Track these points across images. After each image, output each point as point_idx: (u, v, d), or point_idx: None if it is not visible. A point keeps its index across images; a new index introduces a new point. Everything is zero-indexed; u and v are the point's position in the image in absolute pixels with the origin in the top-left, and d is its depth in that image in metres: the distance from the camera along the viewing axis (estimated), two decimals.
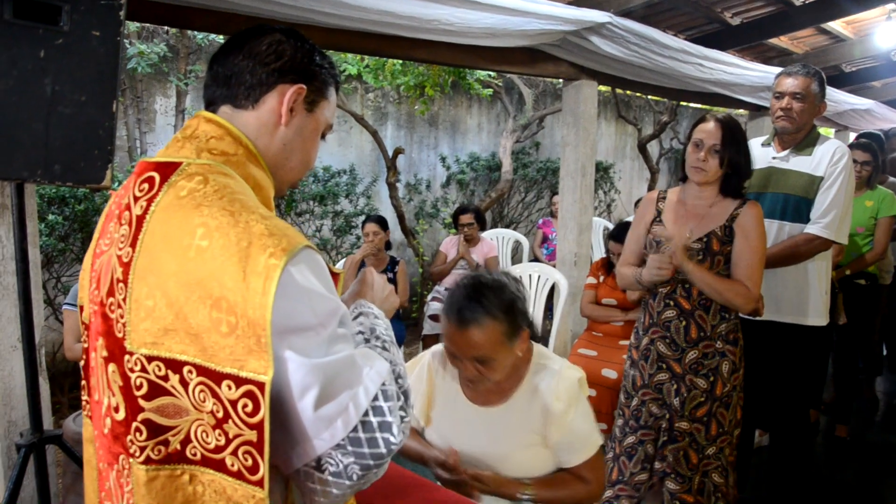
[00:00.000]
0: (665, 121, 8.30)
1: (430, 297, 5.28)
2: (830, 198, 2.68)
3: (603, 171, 8.48)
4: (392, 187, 5.82)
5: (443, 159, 7.13)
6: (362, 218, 5.74)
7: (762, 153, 2.91)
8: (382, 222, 4.61)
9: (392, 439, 0.96)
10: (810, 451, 2.99)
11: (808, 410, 2.96)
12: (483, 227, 5.38)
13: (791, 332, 2.80)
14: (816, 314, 2.80)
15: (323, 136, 1.25)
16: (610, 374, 3.55)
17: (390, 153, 5.78)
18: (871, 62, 6.81)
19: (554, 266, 4.70)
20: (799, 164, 2.77)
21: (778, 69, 5.46)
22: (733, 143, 2.39)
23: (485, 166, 7.39)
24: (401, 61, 5.51)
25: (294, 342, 0.92)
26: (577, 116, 4.52)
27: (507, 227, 7.49)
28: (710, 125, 2.41)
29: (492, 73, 6.54)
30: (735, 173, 2.42)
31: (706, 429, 2.42)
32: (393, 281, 4.57)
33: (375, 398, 0.96)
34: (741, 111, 9.20)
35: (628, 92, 8.12)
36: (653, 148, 8.98)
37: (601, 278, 4.03)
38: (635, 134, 8.72)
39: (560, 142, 4.85)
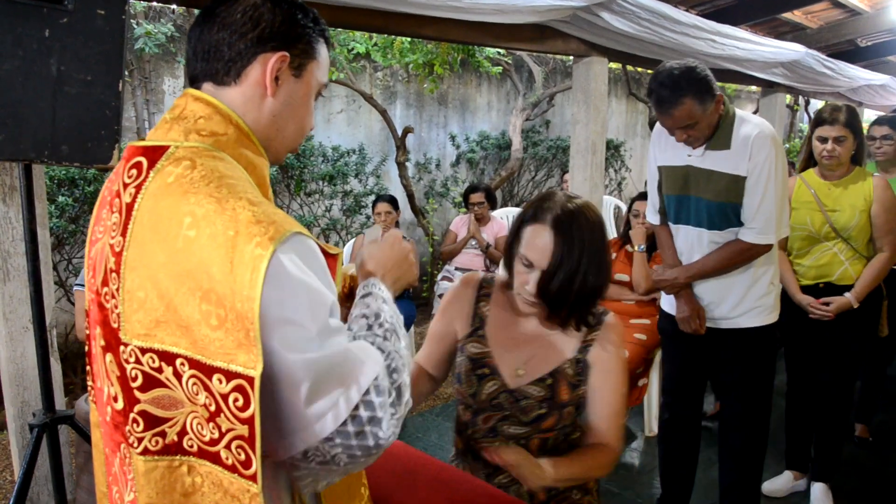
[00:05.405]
0: None
1: (440, 276, 5.27)
2: (758, 198, 2.33)
3: (614, 150, 8.42)
4: (402, 167, 5.80)
5: (452, 138, 7.10)
6: (372, 198, 5.72)
7: (678, 149, 2.47)
8: (394, 202, 4.61)
9: (381, 434, 0.94)
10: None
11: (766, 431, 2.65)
12: (493, 206, 5.36)
13: (733, 336, 2.55)
14: (760, 313, 2.51)
15: (317, 96, 1.18)
16: None
17: (399, 132, 5.75)
18: (888, 36, 6.69)
19: None
20: (717, 162, 2.38)
21: (792, 44, 5.41)
22: (579, 259, 1.55)
23: (495, 145, 7.35)
24: (409, 39, 5.47)
25: (284, 334, 0.90)
26: (587, 94, 4.47)
27: (518, 206, 7.45)
28: (545, 240, 1.56)
29: (501, 51, 6.48)
30: (579, 299, 1.60)
31: None
32: None
33: (367, 392, 0.93)
34: (753, 87, 9.10)
35: (639, 69, 8.03)
36: None
37: (612, 255, 4.00)
38: (646, 111, 8.64)
39: (570, 120, 4.82)
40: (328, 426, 0.91)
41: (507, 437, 1.65)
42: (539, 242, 1.56)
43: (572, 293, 1.56)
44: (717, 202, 2.40)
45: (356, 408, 0.92)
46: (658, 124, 2.59)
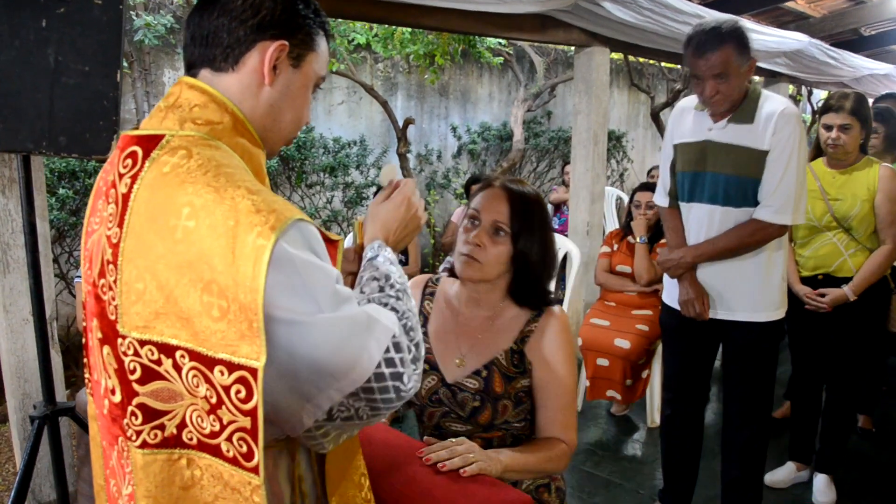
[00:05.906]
0: (679, 88, 8.17)
1: (441, 267, 5.26)
2: (779, 175, 2.28)
3: (615, 140, 8.40)
4: (403, 158, 5.78)
5: (454, 129, 7.07)
6: (373, 189, 5.71)
7: (697, 121, 2.45)
8: None
9: (402, 387, 0.98)
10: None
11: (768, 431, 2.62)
12: None
13: (739, 329, 2.48)
14: (768, 308, 2.45)
15: (315, 89, 1.18)
16: (622, 343, 3.53)
17: (400, 123, 5.73)
18: (892, 25, 6.66)
19: (566, 236, 4.67)
20: (739, 136, 2.34)
21: (795, 34, 5.38)
22: (529, 223, 1.65)
23: (496, 136, 7.33)
24: (410, 30, 5.44)
25: (297, 307, 0.90)
26: (589, 84, 4.45)
27: None
28: (495, 194, 1.68)
29: (502, 41, 6.46)
30: (528, 272, 1.68)
31: None
32: (405, 252, 4.56)
33: (387, 350, 0.96)
34: (755, 77, 9.07)
35: (641, 59, 8.00)
36: (666, 116, 8.83)
37: (615, 246, 4.01)
38: (648, 102, 8.60)
39: (572, 110, 4.80)
40: (353, 384, 0.94)
41: (452, 435, 1.62)
42: (488, 199, 1.67)
43: (529, 255, 1.63)
44: (736, 176, 2.35)
45: (378, 365, 0.95)
46: (679, 105, 2.59)
